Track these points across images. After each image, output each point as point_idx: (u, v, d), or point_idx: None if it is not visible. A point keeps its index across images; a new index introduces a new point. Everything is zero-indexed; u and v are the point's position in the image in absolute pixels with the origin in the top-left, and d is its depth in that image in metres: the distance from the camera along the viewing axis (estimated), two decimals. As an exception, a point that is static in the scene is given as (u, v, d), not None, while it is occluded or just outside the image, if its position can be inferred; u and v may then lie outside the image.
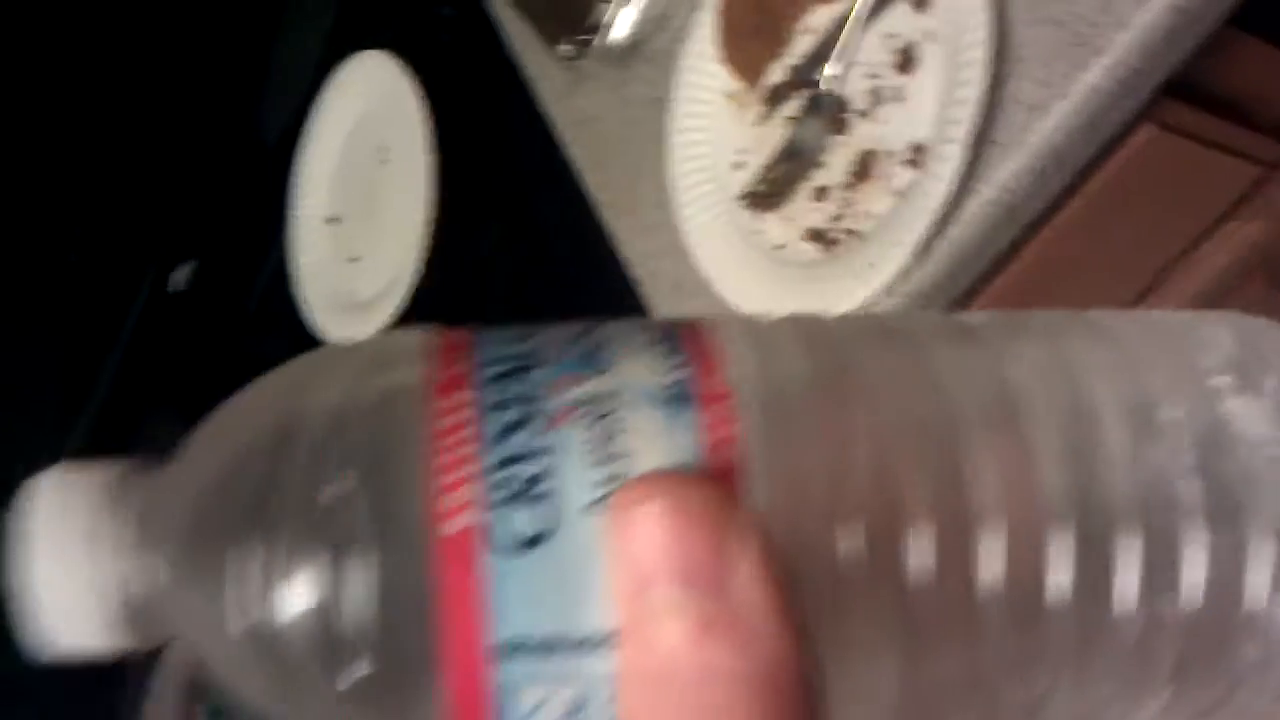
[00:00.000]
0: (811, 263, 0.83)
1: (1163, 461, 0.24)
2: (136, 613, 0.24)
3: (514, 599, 0.22)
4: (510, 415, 0.23)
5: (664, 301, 0.95)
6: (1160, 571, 0.23)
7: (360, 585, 0.22)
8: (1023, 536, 0.23)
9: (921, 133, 0.77)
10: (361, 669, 0.23)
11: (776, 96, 0.85)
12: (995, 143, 0.75)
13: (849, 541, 0.23)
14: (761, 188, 0.85)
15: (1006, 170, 0.75)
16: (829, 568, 0.23)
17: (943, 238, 0.77)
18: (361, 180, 1.20)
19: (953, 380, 0.25)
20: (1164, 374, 0.25)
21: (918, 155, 0.77)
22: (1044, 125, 0.73)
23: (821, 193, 0.83)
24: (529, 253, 1.09)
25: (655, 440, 0.23)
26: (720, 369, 0.24)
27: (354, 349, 0.26)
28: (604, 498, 0.22)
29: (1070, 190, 0.80)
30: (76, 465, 0.25)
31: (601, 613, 0.22)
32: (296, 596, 0.23)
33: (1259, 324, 0.26)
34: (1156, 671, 0.24)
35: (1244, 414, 0.24)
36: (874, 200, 0.80)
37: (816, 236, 0.83)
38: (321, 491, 0.23)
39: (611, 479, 0.22)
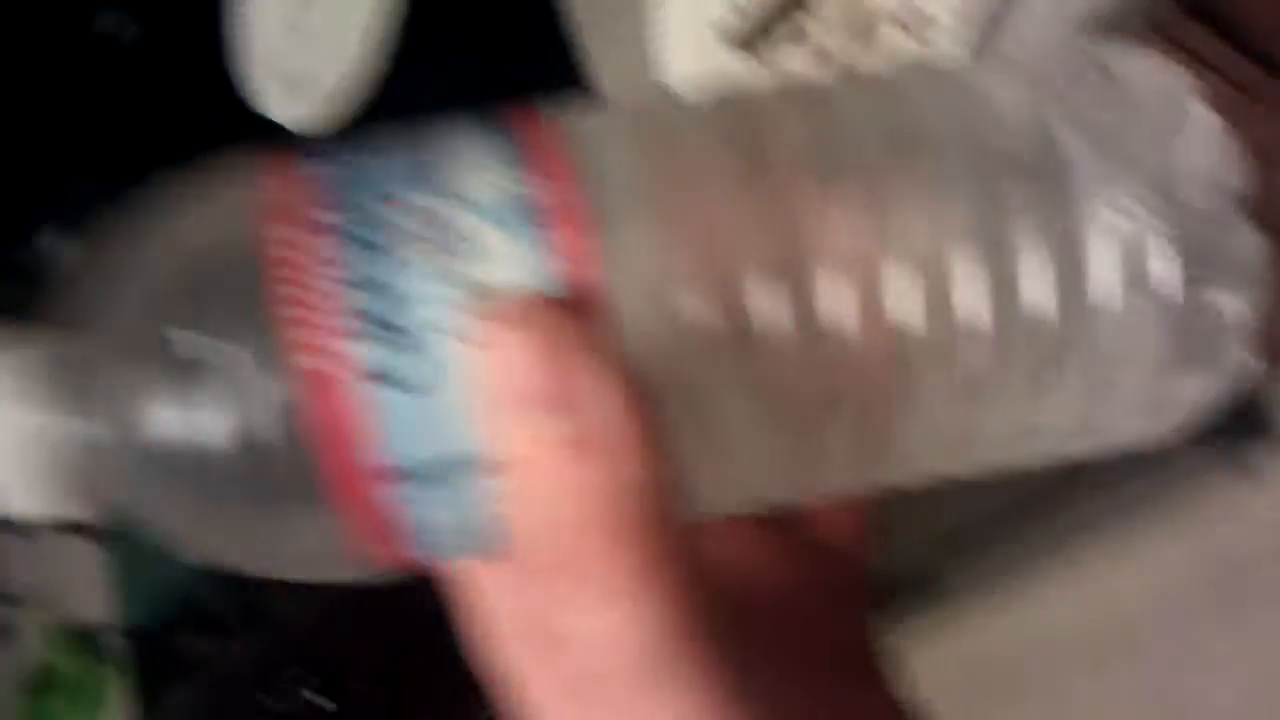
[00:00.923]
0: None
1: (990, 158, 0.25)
2: (61, 470, 0.25)
3: (385, 429, 0.23)
4: (353, 245, 0.24)
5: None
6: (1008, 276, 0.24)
7: (242, 434, 0.24)
8: (865, 271, 0.24)
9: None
10: (262, 511, 0.24)
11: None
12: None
13: (702, 315, 0.24)
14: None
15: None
16: (693, 351, 0.24)
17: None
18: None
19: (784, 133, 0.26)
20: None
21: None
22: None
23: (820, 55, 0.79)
24: (491, 51, 1.04)
25: (502, 260, 0.24)
26: (565, 174, 0.24)
27: (205, 187, 0.26)
28: (460, 327, 0.23)
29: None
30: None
31: (470, 437, 0.23)
32: (176, 441, 0.24)
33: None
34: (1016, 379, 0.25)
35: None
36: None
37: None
38: (183, 338, 0.24)
39: (464, 305, 0.23)
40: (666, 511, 0.23)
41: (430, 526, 0.25)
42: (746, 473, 0.26)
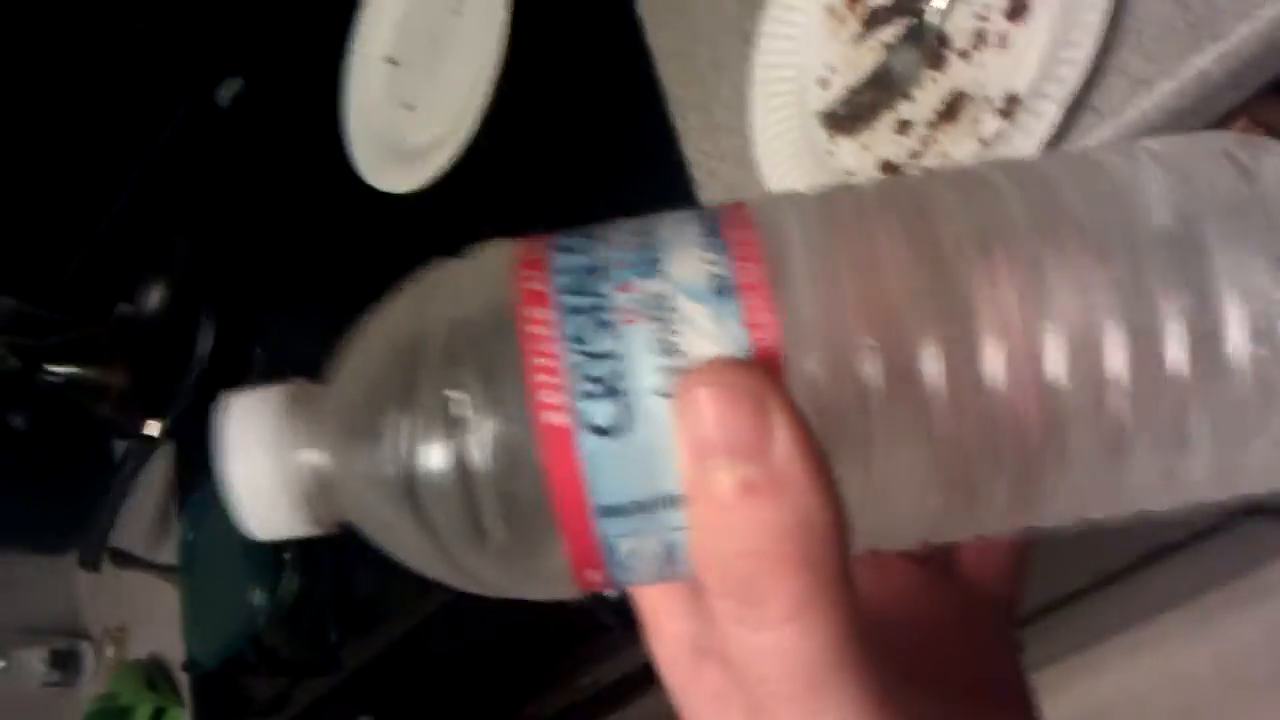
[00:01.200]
0: (879, 195, 0.82)
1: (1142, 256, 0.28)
2: (314, 499, 0.31)
3: (605, 473, 0.28)
4: (586, 320, 0.28)
5: (718, 206, 0.94)
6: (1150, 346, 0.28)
7: (487, 473, 0.28)
8: (1022, 337, 0.28)
9: (1019, 84, 0.76)
10: (496, 537, 0.29)
11: (877, 19, 0.84)
12: (1091, 108, 0.74)
13: (873, 376, 0.27)
14: (844, 109, 0.84)
15: (1096, 139, 0.74)
16: (862, 411, 0.28)
17: (1018, 194, 0.76)
18: (429, 26, 1.18)
19: (953, 214, 0.29)
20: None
21: (1011, 106, 0.76)
22: (1144, 101, 0.72)
23: (904, 126, 0.82)
24: (587, 131, 1.07)
25: (705, 331, 0.28)
26: (757, 256, 0.28)
27: (459, 268, 0.31)
28: (667, 387, 0.28)
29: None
30: (259, 389, 0.32)
31: (672, 480, 0.28)
32: (435, 478, 0.29)
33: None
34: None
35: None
36: (956, 144, 0.79)
37: (890, 169, 0.82)
38: (447, 393, 0.29)
39: (673, 370, 0.28)
40: (834, 547, 0.26)
41: (634, 556, 0.29)
42: (906, 517, 0.30)
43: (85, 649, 1.79)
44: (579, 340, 0.28)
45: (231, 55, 1.41)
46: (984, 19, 0.79)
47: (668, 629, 0.34)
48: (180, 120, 1.41)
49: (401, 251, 1.22)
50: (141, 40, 1.36)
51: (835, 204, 0.30)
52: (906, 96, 0.82)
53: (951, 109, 0.80)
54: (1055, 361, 0.28)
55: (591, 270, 0.29)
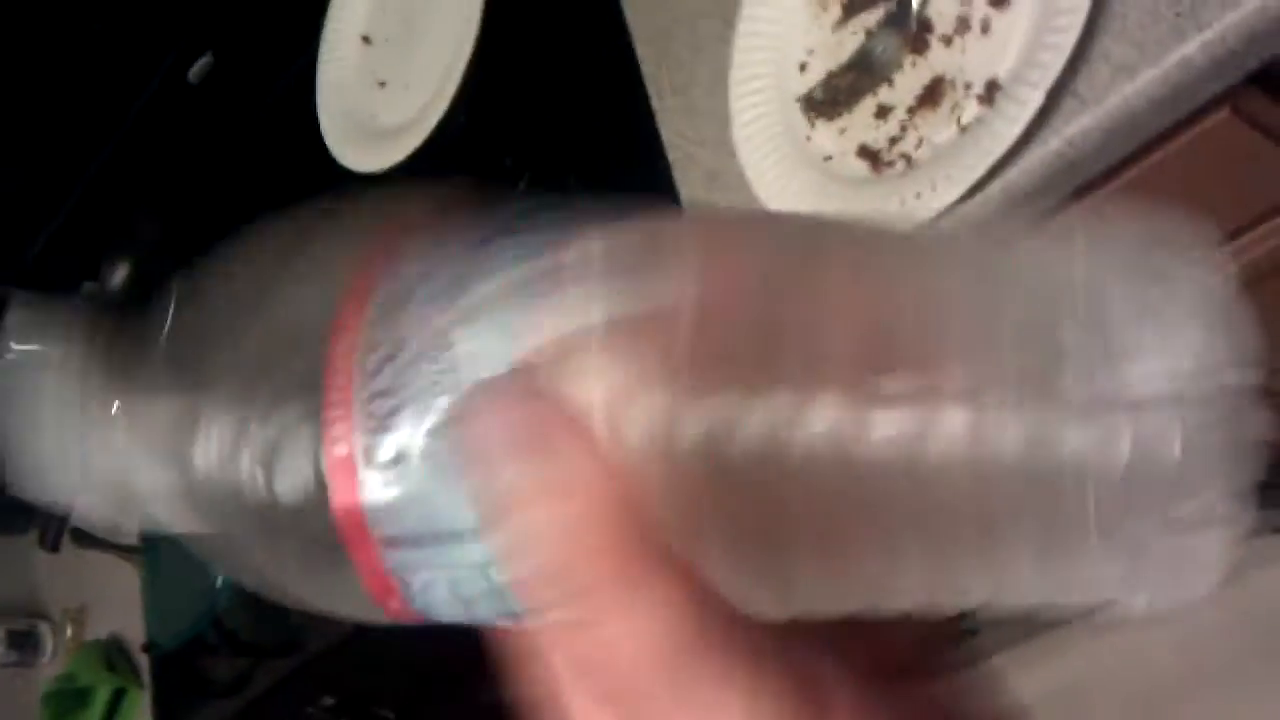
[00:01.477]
0: (858, 180, 0.82)
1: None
2: (111, 485, 0.30)
3: (388, 505, 0.27)
4: (381, 353, 0.27)
5: (695, 190, 0.94)
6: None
7: (286, 494, 0.28)
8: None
9: (1001, 70, 0.75)
10: (293, 551, 0.28)
11: (858, 3, 0.83)
12: (1075, 95, 0.73)
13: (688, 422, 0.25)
14: (823, 93, 0.83)
15: (1078, 126, 0.74)
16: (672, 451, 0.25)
17: (997, 180, 0.76)
18: (404, 4, 1.17)
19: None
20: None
21: (992, 92, 0.76)
22: (1127, 89, 0.72)
23: (884, 111, 0.81)
24: (563, 112, 1.06)
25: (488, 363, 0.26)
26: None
27: (314, 233, 0.30)
28: (443, 423, 0.26)
29: (1131, 158, 0.79)
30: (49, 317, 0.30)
31: (456, 513, 0.26)
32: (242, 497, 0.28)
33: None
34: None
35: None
36: (936, 129, 0.79)
37: (869, 155, 0.82)
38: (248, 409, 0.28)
39: (452, 406, 0.26)
40: (652, 526, 0.24)
41: (430, 592, 0.28)
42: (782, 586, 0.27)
43: (44, 630, 1.77)
44: (373, 374, 0.27)
45: (203, 31, 1.39)
46: (967, 4, 0.78)
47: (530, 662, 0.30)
48: (149, 97, 1.38)
49: (372, 231, 1.21)
50: (112, 15, 1.34)
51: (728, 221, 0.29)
52: (886, 81, 0.81)
53: (931, 94, 0.79)
54: (882, 432, 0.25)
55: (405, 294, 0.28)
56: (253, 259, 0.30)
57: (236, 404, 0.28)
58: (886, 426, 0.25)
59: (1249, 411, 0.24)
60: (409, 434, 0.27)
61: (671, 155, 0.95)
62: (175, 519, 0.30)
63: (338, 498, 0.27)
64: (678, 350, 0.25)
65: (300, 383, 0.28)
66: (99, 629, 1.67)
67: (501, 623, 0.28)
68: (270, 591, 0.30)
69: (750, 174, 0.87)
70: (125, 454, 0.29)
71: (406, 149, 1.06)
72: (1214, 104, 0.76)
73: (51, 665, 1.73)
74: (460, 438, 0.26)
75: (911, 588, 0.27)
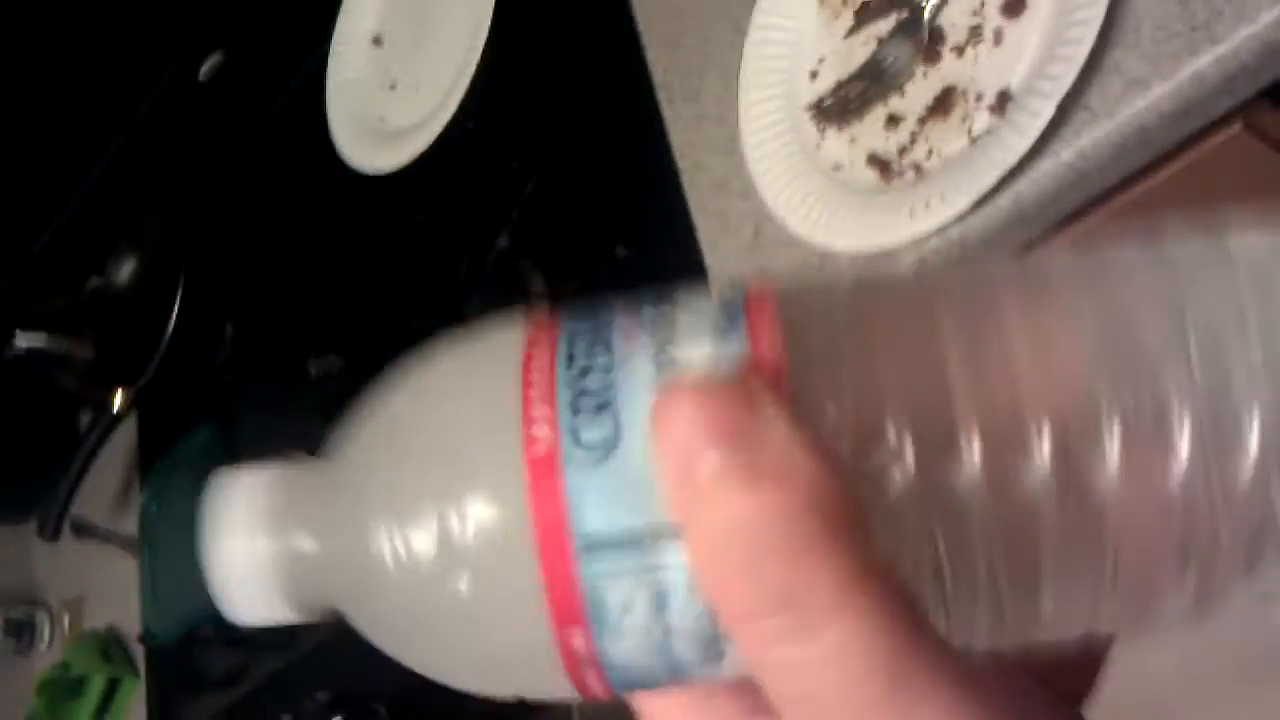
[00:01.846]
0: (867, 189, 0.82)
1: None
2: (300, 585, 0.29)
3: (591, 503, 0.25)
4: (583, 362, 0.26)
5: (703, 197, 0.93)
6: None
7: (476, 519, 0.26)
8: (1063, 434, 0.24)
9: (1013, 81, 0.75)
10: (465, 583, 0.26)
11: (871, 11, 0.83)
12: (1086, 108, 0.73)
13: (885, 461, 0.24)
14: (834, 102, 0.83)
15: (1089, 138, 0.73)
16: (863, 487, 0.24)
17: (1007, 191, 0.76)
18: (416, 5, 1.17)
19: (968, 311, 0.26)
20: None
21: (1003, 103, 0.76)
22: (1139, 102, 0.72)
23: (894, 120, 0.81)
24: (572, 115, 1.06)
25: (703, 356, 0.25)
26: (772, 320, 0.26)
27: (465, 348, 0.29)
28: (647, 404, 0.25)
29: (1141, 172, 0.78)
30: (253, 467, 0.30)
31: (664, 505, 0.24)
32: (422, 535, 0.26)
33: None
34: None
35: None
36: (946, 139, 0.79)
37: (879, 164, 0.82)
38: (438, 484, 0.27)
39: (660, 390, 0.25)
40: (856, 524, 0.22)
41: (625, 613, 0.25)
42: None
43: (42, 618, 1.76)
44: (575, 380, 0.26)
45: (213, 29, 1.39)
46: (979, 14, 0.78)
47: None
48: (159, 94, 1.38)
49: (379, 232, 1.21)
50: (122, 12, 1.34)
51: (871, 292, 0.28)
52: (897, 90, 0.81)
53: (942, 104, 0.79)
54: (1096, 475, 0.24)
55: (598, 325, 0.27)
56: (413, 369, 0.29)
57: (413, 488, 0.27)
58: (1103, 463, 0.24)
59: None
60: (617, 423, 0.25)
61: (681, 162, 0.95)
62: (359, 614, 0.29)
63: (537, 498, 0.25)
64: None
65: (484, 450, 0.26)
66: (96, 619, 1.66)
67: (701, 669, 0.26)
68: (445, 676, 0.28)
69: (759, 182, 0.87)
70: (310, 558, 0.29)
71: (414, 151, 1.06)
72: (1226, 119, 0.76)
73: (48, 654, 1.72)
74: (659, 425, 0.23)
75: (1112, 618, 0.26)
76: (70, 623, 1.72)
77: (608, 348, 0.26)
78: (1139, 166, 0.77)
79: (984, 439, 0.24)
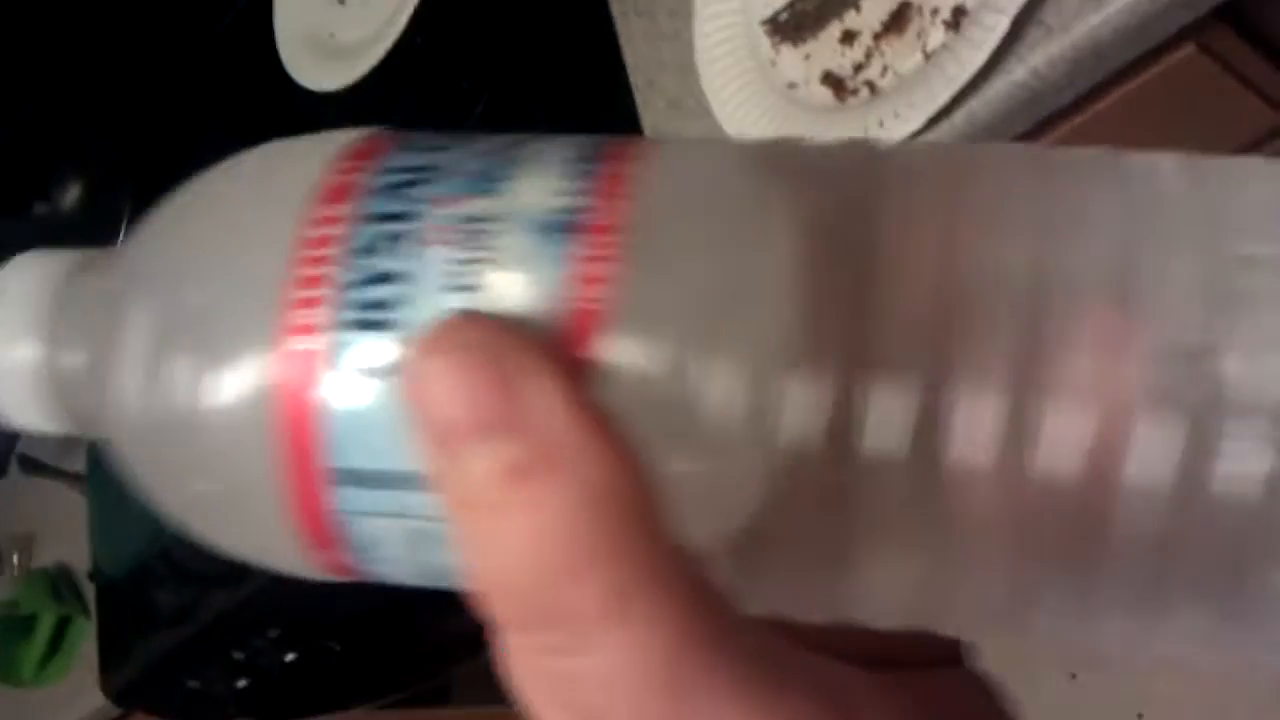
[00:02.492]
0: (821, 108, 0.81)
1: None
2: (67, 397, 0.26)
3: (349, 429, 0.21)
4: (382, 229, 0.22)
5: (657, 118, 0.92)
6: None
7: (216, 393, 0.22)
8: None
9: (969, -4, 0.74)
10: (215, 474, 0.23)
11: (827, -74, 0.82)
12: (1041, 23, 0.72)
13: (726, 389, 0.21)
14: (789, 16, 0.82)
15: (1044, 54, 0.73)
16: (700, 427, 0.21)
17: (961, 109, 0.75)
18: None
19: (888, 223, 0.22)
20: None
21: (958, 18, 0.75)
22: (1094, 17, 0.71)
23: (849, 37, 0.80)
24: (524, 31, 1.04)
25: (515, 272, 0.21)
26: (624, 198, 0.22)
27: (292, 148, 0.25)
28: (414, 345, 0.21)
29: (1094, 93, 0.78)
30: (38, 256, 0.27)
31: (416, 459, 0.21)
32: (167, 393, 0.23)
33: None
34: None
35: None
36: (901, 57, 0.78)
37: (833, 82, 0.81)
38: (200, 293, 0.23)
39: (457, 310, 0.21)
40: (649, 518, 0.20)
41: (381, 545, 0.23)
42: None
43: (-12, 557, 1.75)
44: (364, 253, 0.22)
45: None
46: (936, -72, 0.77)
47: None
48: (101, 12, 1.35)
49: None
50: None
51: (788, 160, 0.23)
52: (853, 6, 0.80)
53: (898, 20, 0.78)
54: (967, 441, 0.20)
55: (420, 175, 0.22)
56: (205, 182, 0.25)
57: (174, 295, 0.24)
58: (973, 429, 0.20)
59: None
60: (397, 340, 0.21)
61: (634, 79, 0.93)
62: (106, 431, 0.25)
63: (284, 405, 0.22)
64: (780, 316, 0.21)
65: (251, 270, 0.23)
66: (46, 557, 1.65)
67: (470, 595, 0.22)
68: (192, 529, 0.25)
69: (713, 100, 0.85)
70: (71, 366, 0.26)
71: (362, 68, 1.04)
72: (1180, 39, 0.75)
73: (-5, 592, 1.71)
74: (413, 392, 0.21)
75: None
76: (19, 560, 1.70)
77: (403, 242, 0.22)
78: (1093, 86, 0.76)
79: (838, 388, 0.20)
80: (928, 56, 0.76)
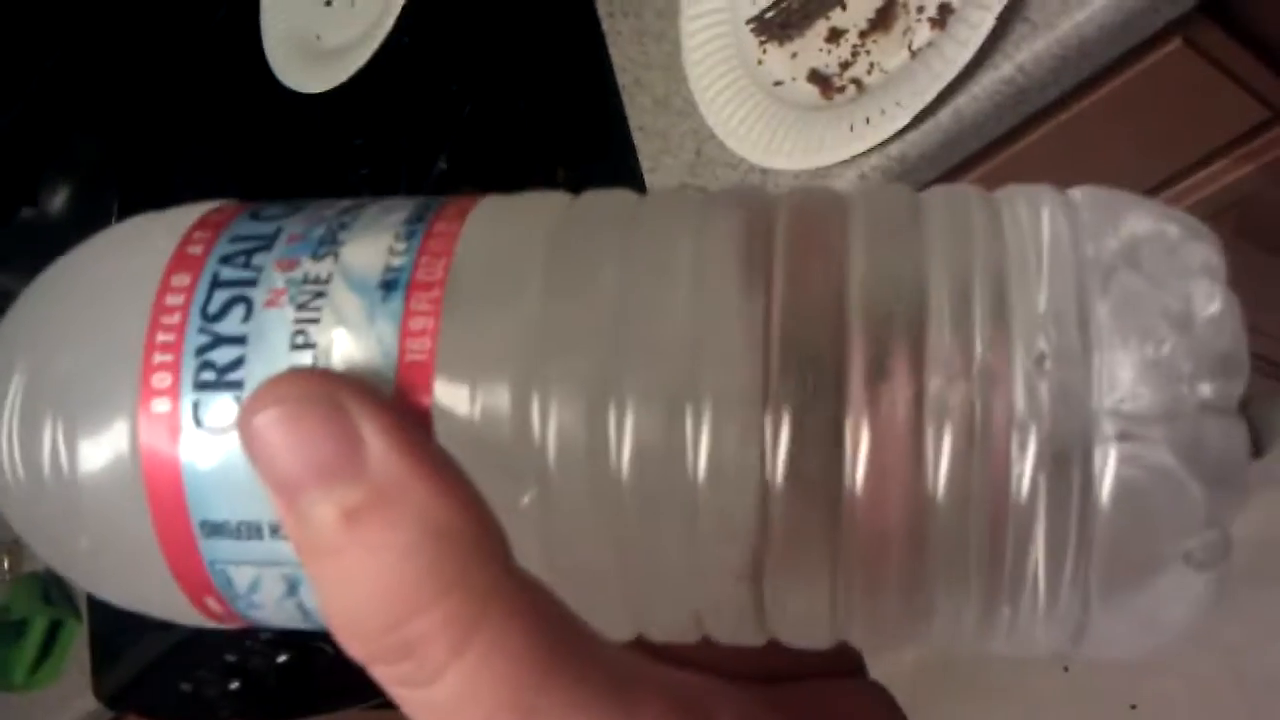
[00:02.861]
0: (808, 106, 0.81)
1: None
2: None
3: (210, 483, 0.23)
4: (227, 295, 0.23)
5: (643, 116, 0.92)
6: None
7: (87, 456, 0.23)
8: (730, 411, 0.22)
9: (954, -7, 0.74)
10: (92, 535, 0.24)
11: (813, -76, 0.82)
12: (1026, 20, 0.72)
13: (547, 434, 0.22)
14: (775, 14, 0.82)
15: (1029, 51, 0.73)
16: (525, 459, 0.22)
17: (947, 107, 0.75)
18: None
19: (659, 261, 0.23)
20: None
21: (944, 15, 0.75)
22: (1079, 14, 0.71)
23: (835, 35, 0.80)
24: (510, 33, 1.04)
25: (350, 330, 0.23)
26: (449, 254, 0.23)
27: (151, 221, 0.26)
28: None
29: (1080, 90, 0.78)
30: None
31: (267, 509, 0.23)
32: (42, 456, 0.24)
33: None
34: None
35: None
36: (887, 54, 0.78)
37: (819, 80, 0.81)
38: (59, 360, 0.24)
39: (295, 368, 0.23)
40: (484, 549, 0.21)
41: (256, 592, 0.24)
42: (602, 601, 0.24)
43: (-21, 561, 1.74)
44: (212, 318, 0.23)
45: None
46: (921, -75, 0.77)
47: None
48: (89, 13, 1.35)
49: (315, 153, 1.19)
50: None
51: (591, 212, 0.25)
52: (839, 4, 0.80)
53: (884, 18, 0.78)
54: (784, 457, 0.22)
55: (262, 243, 0.24)
56: (76, 255, 0.26)
57: (43, 363, 0.25)
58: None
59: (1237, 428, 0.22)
60: (241, 393, 0.23)
61: (621, 79, 0.93)
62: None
63: (151, 467, 0.23)
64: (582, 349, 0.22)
65: (113, 340, 0.24)
66: (36, 561, 1.64)
67: None
68: (80, 584, 0.26)
69: (700, 99, 0.85)
70: None
71: (349, 70, 1.04)
72: (1166, 35, 0.75)
73: (-14, 596, 1.70)
74: (252, 447, 0.21)
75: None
76: (9, 564, 1.70)
77: (248, 306, 0.23)
78: (1079, 82, 0.76)
79: (640, 415, 0.22)
80: (914, 54, 0.76)
